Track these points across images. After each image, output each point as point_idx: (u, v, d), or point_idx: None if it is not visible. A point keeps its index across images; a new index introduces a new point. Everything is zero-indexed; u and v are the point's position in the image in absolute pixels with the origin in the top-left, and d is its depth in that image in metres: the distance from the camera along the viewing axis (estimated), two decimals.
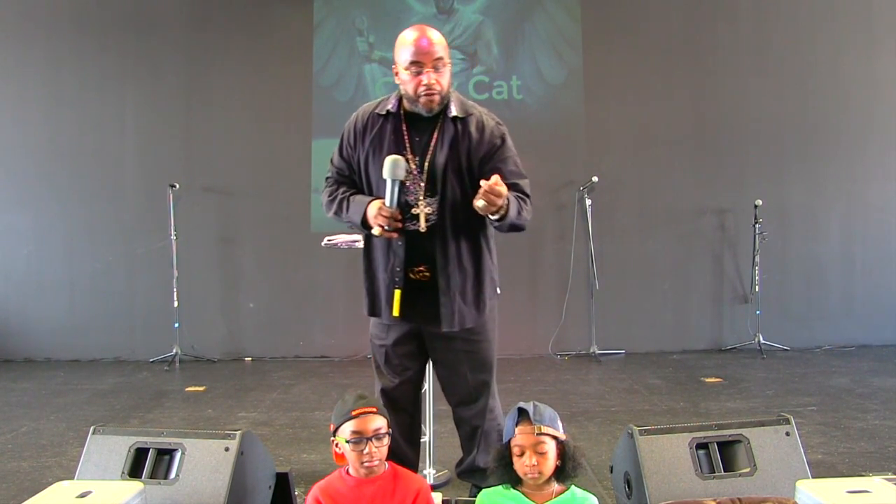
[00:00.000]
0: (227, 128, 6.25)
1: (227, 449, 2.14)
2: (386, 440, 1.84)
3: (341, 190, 2.44)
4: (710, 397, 4.45)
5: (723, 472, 2.12)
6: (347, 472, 1.87)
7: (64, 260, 6.19)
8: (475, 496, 2.00)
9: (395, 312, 2.31)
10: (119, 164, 6.25)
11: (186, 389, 4.94)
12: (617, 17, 6.31)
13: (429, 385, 2.94)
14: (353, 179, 2.45)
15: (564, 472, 1.81)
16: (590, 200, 5.87)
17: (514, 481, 1.83)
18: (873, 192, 6.21)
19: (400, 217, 2.26)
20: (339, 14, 6.32)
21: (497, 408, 2.57)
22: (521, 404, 1.84)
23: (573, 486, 1.84)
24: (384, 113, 2.37)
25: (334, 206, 2.43)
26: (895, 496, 1.82)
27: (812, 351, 5.91)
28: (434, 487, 2.74)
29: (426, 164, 2.32)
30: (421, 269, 2.35)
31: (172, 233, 5.79)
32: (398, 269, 2.33)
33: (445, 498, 2.10)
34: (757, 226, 5.83)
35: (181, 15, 6.30)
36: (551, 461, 1.79)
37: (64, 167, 6.21)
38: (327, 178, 2.52)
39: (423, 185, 2.32)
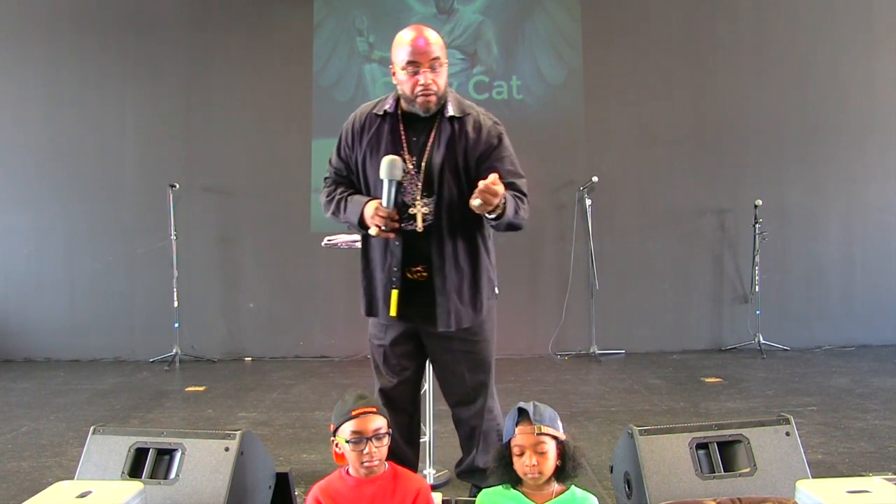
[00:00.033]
0: (227, 128, 6.25)
1: (227, 449, 2.14)
2: (386, 440, 1.84)
3: (339, 190, 2.44)
4: (710, 397, 4.45)
5: (723, 472, 2.12)
6: (347, 472, 1.87)
7: (64, 260, 6.19)
8: (475, 496, 2.00)
9: (393, 312, 2.31)
10: (119, 164, 6.25)
11: (186, 389, 4.94)
12: (617, 17, 6.31)
13: (429, 385, 2.94)
14: (352, 180, 2.46)
15: (564, 472, 1.81)
16: (590, 200, 5.87)
17: (514, 481, 1.83)
18: (873, 192, 6.21)
19: (397, 217, 2.26)
20: (339, 14, 6.32)
21: (496, 408, 2.56)
22: (521, 404, 1.84)
23: (573, 486, 1.84)
24: (381, 113, 2.37)
25: (332, 207, 2.43)
26: (895, 496, 1.82)
27: (812, 351, 5.91)
28: (434, 487, 2.74)
29: (423, 163, 2.32)
30: (418, 268, 2.35)
31: (172, 233, 5.79)
32: (395, 269, 2.33)
33: (445, 498, 2.10)
34: (757, 226, 5.83)
35: (181, 15, 6.30)
36: (551, 461, 1.79)
37: (64, 167, 6.21)
38: (325, 179, 2.52)
39: (420, 185, 2.32)
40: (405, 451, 2.48)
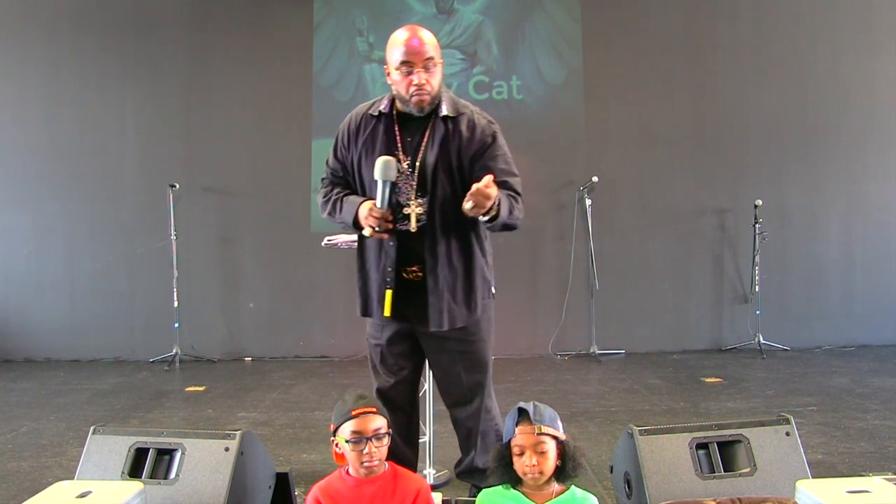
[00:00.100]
0: (227, 128, 6.25)
1: (227, 449, 2.14)
2: (386, 440, 1.84)
3: (335, 191, 2.45)
4: (710, 397, 4.45)
5: (723, 472, 2.12)
6: (347, 472, 1.87)
7: (64, 260, 6.19)
8: (475, 496, 2.00)
9: (387, 313, 2.31)
10: (119, 164, 6.25)
11: (186, 389, 4.94)
12: (617, 17, 6.31)
13: (428, 385, 2.94)
14: (348, 180, 2.46)
15: (564, 472, 1.81)
16: (590, 200, 5.87)
17: (514, 481, 1.83)
18: (873, 192, 6.21)
19: (391, 218, 2.27)
20: (339, 14, 6.32)
21: (494, 408, 2.56)
22: (522, 404, 1.84)
23: (573, 486, 1.84)
24: (377, 114, 2.38)
25: (328, 207, 2.44)
26: (895, 496, 1.82)
27: (812, 351, 5.91)
28: (434, 487, 2.74)
29: (417, 163, 2.33)
30: (414, 268, 2.35)
31: (172, 233, 5.79)
32: (389, 269, 2.34)
33: (445, 498, 2.10)
34: (757, 226, 5.83)
35: (181, 15, 6.31)
36: (551, 461, 1.79)
37: (64, 167, 6.21)
38: (323, 180, 2.53)
39: (414, 185, 2.32)
40: (404, 451, 2.48)
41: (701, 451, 2.15)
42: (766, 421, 2.22)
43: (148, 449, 2.19)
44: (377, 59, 6.18)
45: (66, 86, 6.25)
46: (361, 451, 1.80)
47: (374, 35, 6.23)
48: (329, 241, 3.24)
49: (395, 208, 2.30)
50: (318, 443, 3.56)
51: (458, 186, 2.31)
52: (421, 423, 2.75)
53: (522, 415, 1.82)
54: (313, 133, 6.16)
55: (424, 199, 2.32)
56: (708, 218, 6.19)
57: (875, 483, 1.89)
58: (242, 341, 6.15)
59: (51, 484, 2.03)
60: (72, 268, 6.19)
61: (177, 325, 5.77)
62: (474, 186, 2.08)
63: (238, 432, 2.18)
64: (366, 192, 2.38)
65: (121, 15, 6.28)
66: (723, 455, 2.15)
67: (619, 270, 6.08)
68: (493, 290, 2.50)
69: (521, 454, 1.79)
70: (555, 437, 1.81)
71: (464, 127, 2.34)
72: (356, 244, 2.49)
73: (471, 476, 2.58)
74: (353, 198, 2.38)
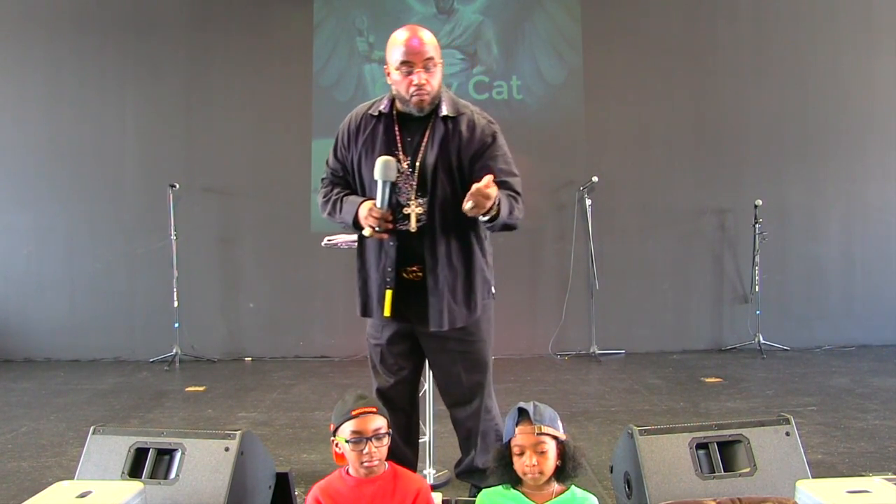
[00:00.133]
0: (227, 128, 6.25)
1: (227, 449, 2.14)
2: (386, 440, 1.84)
3: (335, 191, 2.45)
4: (710, 397, 4.45)
5: (723, 472, 2.12)
6: (347, 472, 1.87)
7: (64, 260, 6.19)
8: (475, 496, 2.00)
9: (387, 313, 2.31)
10: (119, 164, 6.25)
11: (186, 389, 4.94)
12: (617, 17, 6.31)
13: (428, 385, 2.94)
14: (348, 180, 2.46)
15: (564, 472, 1.81)
16: (590, 200, 5.87)
17: (514, 481, 1.83)
18: (873, 192, 6.21)
19: (390, 218, 2.27)
20: (339, 14, 6.32)
21: (494, 408, 2.56)
22: (522, 404, 1.84)
23: (573, 486, 1.84)
24: (377, 114, 2.38)
25: (328, 207, 2.44)
26: (895, 496, 1.82)
27: (812, 351, 5.91)
28: (434, 487, 2.74)
29: (417, 163, 2.33)
30: (414, 268, 2.35)
31: (172, 233, 5.79)
32: (389, 269, 2.34)
33: (445, 498, 2.10)
34: (757, 226, 5.83)
35: (181, 15, 6.31)
36: (551, 461, 1.79)
37: (64, 167, 6.22)
38: (323, 180, 2.53)
39: (414, 185, 2.32)
40: (404, 451, 2.48)
41: (701, 451, 2.15)
42: (766, 421, 2.22)
43: (148, 449, 2.19)
44: (377, 59, 6.18)
45: (66, 86, 6.25)
46: (361, 451, 1.80)
47: (374, 35, 6.23)
48: (329, 241, 3.24)
49: (395, 208, 2.31)
50: (318, 443, 3.56)
51: (457, 186, 2.31)
52: (421, 423, 2.75)
53: (522, 415, 1.82)
54: (313, 133, 6.16)
55: (424, 199, 2.32)
56: (708, 218, 6.19)
57: (875, 483, 1.89)
58: (242, 341, 6.15)
59: (51, 484, 2.03)
60: (72, 268, 6.19)
61: (177, 325, 5.77)
62: (474, 186, 2.08)
63: (238, 432, 2.18)
64: (366, 192, 2.38)
65: (121, 15, 6.28)
66: (723, 455, 2.15)
67: (619, 270, 6.08)
68: (493, 291, 2.50)
69: (522, 454, 1.79)
70: (555, 437, 1.81)
71: (464, 127, 2.33)
72: (356, 244, 2.49)
73: (471, 476, 2.58)
74: (353, 198, 2.38)
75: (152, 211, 5.99)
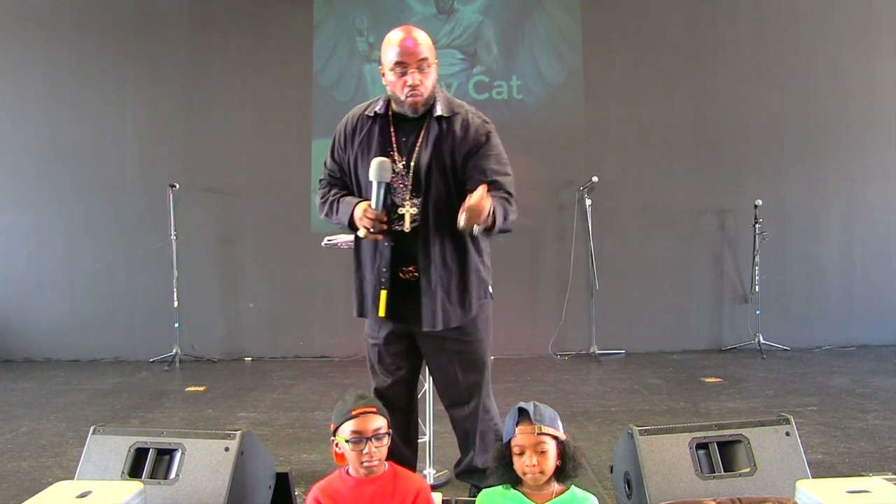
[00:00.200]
0: (227, 128, 6.25)
1: (227, 449, 2.14)
2: (386, 440, 1.84)
3: (332, 192, 2.46)
4: (710, 397, 4.45)
5: (723, 472, 2.12)
6: (347, 472, 1.87)
7: (64, 260, 6.19)
8: (475, 496, 2.00)
9: (381, 313, 2.32)
10: (119, 164, 6.25)
11: (186, 389, 4.94)
12: (617, 17, 6.31)
13: (428, 385, 2.94)
14: (345, 181, 2.47)
15: (564, 472, 1.81)
16: (590, 200, 5.87)
17: (514, 481, 1.83)
18: (873, 192, 6.21)
19: (385, 219, 2.27)
20: (339, 14, 6.32)
21: (493, 408, 2.56)
22: (522, 404, 1.84)
23: (573, 486, 1.84)
24: (372, 115, 2.38)
25: (325, 208, 2.45)
26: (895, 496, 1.82)
27: (812, 351, 5.91)
28: (434, 487, 2.74)
29: (412, 164, 2.33)
30: (410, 268, 2.36)
31: (172, 233, 5.79)
32: (384, 269, 2.34)
33: (445, 498, 2.10)
34: (757, 226, 5.83)
35: (181, 15, 6.31)
36: (552, 461, 1.79)
37: (64, 167, 6.22)
38: (321, 181, 2.54)
39: (409, 185, 2.33)
40: (403, 450, 2.48)
41: (701, 451, 2.15)
42: (766, 421, 2.22)
43: (148, 449, 2.19)
44: (377, 59, 6.13)
45: (66, 86, 6.25)
46: (361, 451, 1.80)
47: (374, 35, 6.23)
48: (329, 241, 3.24)
49: (391, 209, 2.31)
50: (318, 443, 3.56)
51: (451, 186, 2.32)
52: (421, 423, 2.75)
53: (523, 415, 1.82)
54: (313, 133, 6.16)
55: (419, 200, 2.32)
56: (708, 218, 6.19)
57: (875, 483, 1.90)
58: (242, 341, 6.15)
59: (51, 484, 2.03)
60: (72, 268, 6.19)
61: (177, 325, 5.77)
62: (466, 201, 2.06)
63: (238, 432, 2.18)
64: (362, 193, 2.38)
65: (121, 15, 6.28)
66: (723, 455, 2.16)
67: (619, 270, 6.08)
68: (491, 290, 2.50)
69: (522, 454, 1.79)
70: (555, 437, 1.81)
71: (457, 126, 2.34)
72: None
73: (470, 476, 2.58)
74: (349, 199, 2.39)
75: (152, 211, 5.99)
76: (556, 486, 1.82)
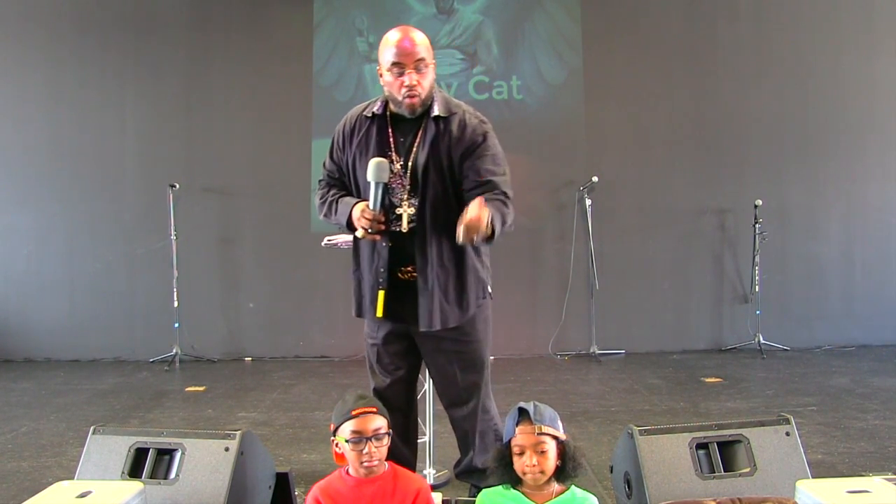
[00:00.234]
0: (227, 128, 6.26)
1: (227, 449, 2.14)
2: (386, 440, 1.84)
3: (331, 192, 2.46)
4: (710, 397, 4.45)
5: (723, 472, 2.12)
6: (347, 472, 1.87)
7: (64, 260, 6.19)
8: (475, 496, 2.00)
9: (379, 313, 2.32)
10: (119, 164, 6.25)
11: (186, 389, 4.94)
12: (617, 17, 6.31)
13: (428, 385, 2.94)
14: (344, 182, 2.47)
15: (565, 472, 1.81)
16: (590, 200, 5.87)
17: (514, 481, 1.83)
18: (873, 192, 6.21)
19: (382, 219, 2.27)
20: (339, 14, 6.32)
21: (492, 408, 2.56)
22: (522, 404, 1.84)
23: (573, 486, 1.84)
24: (370, 115, 2.39)
25: (324, 209, 2.45)
26: (895, 496, 1.82)
27: (812, 351, 5.91)
28: (434, 487, 2.74)
29: (410, 164, 2.33)
30: (409, 269, 2.36)
31: (172, 233, 5.79)
32: (382, 269, 2.34)
33: (445, 498, 2.10)
34: (757, 226, 5.83)
35: (181, 15, 6.31)
36: (552, 461, 1.79)
37: (64, 167, 6.22)
38: (320, 181, 2.54)
39: (407, 185, 2.33)
40: (402, 450, 2.48)
41: (701, 451, 2.15)
42: (766, 421, 2.22)
43: (148, 449, 2.19)
44: (377, 59, 6.17)
45: (66, 86, 6.25)
46: (361, 451, 1.80)
47: (374, 35, 6.22)
48: (329, 241, 3.24)
49: (389, 209, 2.31)
50: (318, 443, 3.56)
51: (449, 186, 2.32)
52: (421, 423, 2.75)
53: (523, 415, 1.83)
54: (313, 133, 6.16)
55: (417, 200, 2.32)
56: (708, 218, 6.19)
57: (875, 483, 1.90)
58: (242, 341, 6.15)
59: (51, 484, 2.03)
60: (72, 268, 6.19)
61: (177, 325, 5.77)
62: (463, 215, 2.05)
63: (238, 432, 2.18)
64: (361, 194, 2.38)
65: (121, 15, 6.28)
66: (723, 455, 2.16)
67: (619, 270, 6.08)
68: (490, 290, 2.49)
69: (522, 454, 1.79)
70: (555, 437, 1.81)
71: (454, 126, 2.33)
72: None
73: (470, 476, 2.58)
74: (347, 199, 2.39)
75: (152, 211, 5.99)
76: (556, 486, 1.82)
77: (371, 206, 2.25)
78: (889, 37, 6.23)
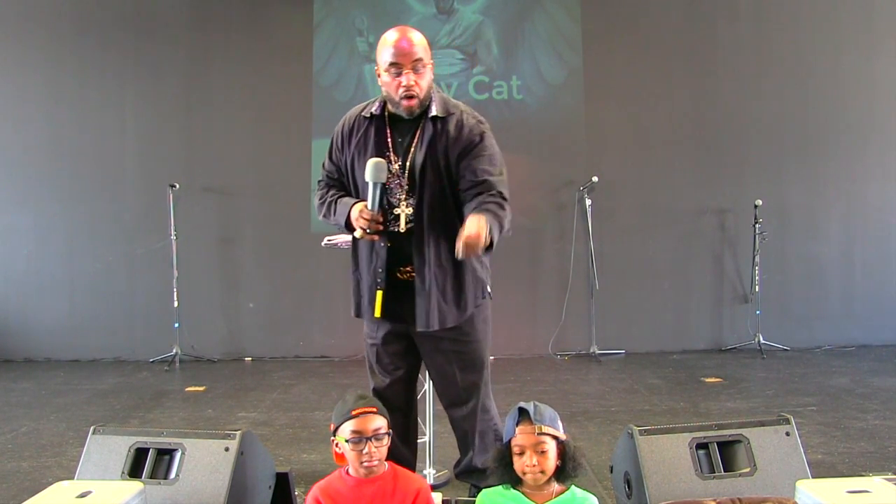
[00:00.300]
0: (227, 128, 6.25)
1: (227, 449, 2.14)
2: (386, 440, 1.84)
3: (330, 193, 2.46)
4: (710, 397, 4.45)
5: (723, 472, 2.12)
6: (347, 472, 1.87)
7: (64, 260, 6.19)
8: (475, 496, 2.00)
9: (377, 314, 2.32)
10: (119, 164, 6.25)
11: (186, 389, 4.94)
12: (617, 17, 6.31)
13: (428, 385, 2.94)
14: (343, 182, 2.48)
15: (565, 472, 1.81)
16: (590, 200, 5.86)
17: (514, 481, 1.83)
18: (873, 192, 6.21)
19: (381, 220, 2.28)
20: (339, 14, 6.32)
21: (492, 408, 2.56)
22: (522, 404, 1.84)
23: (573, 486, 1.84)
24: (369, 116, 2.39)
25: (324, 209, 2.46)
26: (895, 496, 1.82)
27: (812, 351, 5.91)
28: (434, 487, 2.74)
29: (407, 164, 2.33)
30: (408, 269, 2.36)
31: (172, 233, 5.79)
32: (380, 269, 2.34)
33: (445, 498, 2.10)
34: (757, 226, 5.83)
35: (181, 15, 6.31)
36: (552, 461, 1.79)
37: (64, 167, 6.21)
38: (319, 182, 2.55)
39: (405, 186, 2.33)
40: (402, 450, 2.48)
41: (701, 451, 2.15)
42: (766, 421, 2.22)
43: (148, 449, 2.19)
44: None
45: (66, 86, 6.25)
46: (361, 451, 1.80)
47: (374, 35, 6.22)
48: (329, 241, 3.24)
49: (387, 209, 2.32)
50: (318, 443, 3.56)
51: (446, 186, 2.32)
52: (421, 423, 2.75)
53: (523, 414, 1.83)
54: (313, 133, 6.16)
55: (414, 200, 2.32)
56: (708, 218, 6.19)
57: (875, 483, 1.90)
58: (242, 341, 6.15)
59: (51, 484, 2.03)
60: (72, 268, 6.19)
61: (177, 325, 5.77)
62: (462, 232, 2.06)
63: (238, 432, 2.18)
64: (359, 194, 2.39)
65: (121, 15, 6.28)
66: (723, 455, 2.16)
67: (619, 270, 6.08)
68: (490, 290, 2.49)
69: (522, 454, 1.79)
70: (555, 437, 1.81)
71: (451, 126, 2.33)
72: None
73: (469, 476, 2.58)
74: (346, 199, 2.39)
75: (152, 211, 5.99)
76: (556, 486, 1.82)
77: (369, 207, 2.25)
78: (889, 37, 6.23)
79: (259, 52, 6.27)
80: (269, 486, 2.30)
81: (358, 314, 2.47)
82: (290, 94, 6.28)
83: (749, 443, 2.16)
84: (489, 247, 2.18)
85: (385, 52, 2.27)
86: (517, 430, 1.81)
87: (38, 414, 4.29)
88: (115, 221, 6.19)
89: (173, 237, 5.79)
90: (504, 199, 2.28)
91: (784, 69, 6.21)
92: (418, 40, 2.28)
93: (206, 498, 2.07)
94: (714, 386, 4.78)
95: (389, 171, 2.29)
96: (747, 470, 2.12)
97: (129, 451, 2.19)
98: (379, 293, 2.32)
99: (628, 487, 2.22)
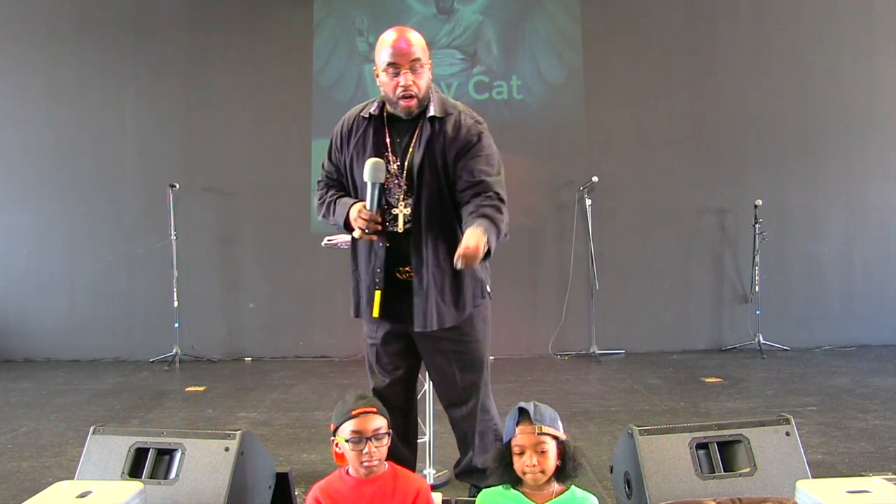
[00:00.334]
0: (227, 128, 6.26)
1: (227, 449, 2.14)
2: (386, 440, 1.84)
3: (330, 193, 2.46)
4: (710, 397, 4.45)
5: (723, 472, 2.12)
6: (347, 472, 1.87)
7: (64, 260, 6.19)
8: (475, 496, 2.00)
9: (375, 314, 2.33)
10: (119, 164, 6.25)
11: (186, 389, 4.94)
12: (617, 17, 6.31)
13: (428, 385, 2.94)
14: (342, 182, 2.48)
15: (565, 472, 1.81)
16: (590, 200, 5.86)
17: (514, 481, 1.83)
18: (873, 192, 6.21)
19: (379, 220, 2.28)
20: (339, 14, 6.32)
21: (492, 408, 2.56)
22: (522, 404, 1.84)
23: (573, 486, 1.84)
24: (367, 116, 2.39)
25: (323, 209, 2.46)
26: (895, 496, 1.82)
27: (812, 351, 5.91)
28: (434, 487, 2.74)
29: (406, 164, 2.33)
30: (407, 269, 2.36)
31: (172, 233, 5.79)
32: (378, 269, 2.34)
33: (445, 498, 2.10)
34: (757, 226, 5.83)
35: (181, 15, 6.31)
36: (552, 461, 1.79)
37: (64, 167, 6.21)
38: (319, 182, 2.55)
39: (403, 186, 2.33)
40: (402, 450, 2.48)
41: (701, 451, 2.15)
42: (766, 421, 2.22)
43: (148, 449, 2.19)
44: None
45: (66, 86, 6.25)
46: (361, 450, 1.80)
47: (374, 35, 6.22)
48: (329, 241, 3.24)
49: (386, 209, 2.32)
50: (318, 443, 3.56)
51: (444, 186, 2.32)
52: (421, 423, 2.75)
53: (523, 414, 1.83)
54: (313, 133, 6.16)
55: (412, 200, 2.32)
56: (708, 218, 6.19)
57: (875, 483, 1.90)
58: (242, 341, 6.15)
59: (51, 484, 2.03)
60: (72, 268, 6.19)
61: (177, 325, 5.77)
62: (461, 244, 2.06)
63: (238, 432, 2.18)
64: (358, 194, 2.39)
65: (121, 15, 6.28)
66: (723, 455, 2.16)
67: (619, 270, 6.08)
68: (489, 290, 2.49)
69: (522, 454, 1.79)
70: (555, 437, 1.81)
71: (449, 126, 2.33)
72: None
73: (469, 476, 2.58)
74: (345, 199, 2.39)
75: (152, 211, 5.99)
76: (556, 486, 1.82)
77: (368, 207, 2.25)
78: (889, 37, 6.23)
79: (259, 52, 6.27)
80: (269, 486, 2.30)
81: (357, 314, 2.47)
82: (290, 94, 6.28)
83: (749, 443, 2.16)
84: (487, 254, 2.18)
85: (383, 52, 2.27)
86: (517, 430, 1.81)
87: (38, 414, 4.29)
88: (115, 221, 6.19)
89: (173, 237, 5.79)
90: (501, 200, 2.28)
91: (784, 69, 6.21)
92: (416, 40, 2.28)
93: (206, 498, 2.07)
94: (714, 386, 4.78)
95: (388, 171, 2.30)
96: (747, 470, 2.12)
97: (129, 451, 2.19)
98: (377, 293, 2.32)
99: (628, 487, 2.22)
